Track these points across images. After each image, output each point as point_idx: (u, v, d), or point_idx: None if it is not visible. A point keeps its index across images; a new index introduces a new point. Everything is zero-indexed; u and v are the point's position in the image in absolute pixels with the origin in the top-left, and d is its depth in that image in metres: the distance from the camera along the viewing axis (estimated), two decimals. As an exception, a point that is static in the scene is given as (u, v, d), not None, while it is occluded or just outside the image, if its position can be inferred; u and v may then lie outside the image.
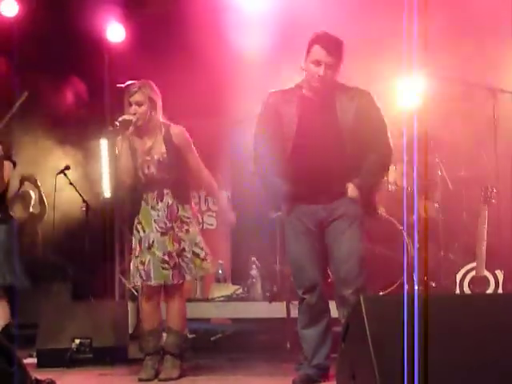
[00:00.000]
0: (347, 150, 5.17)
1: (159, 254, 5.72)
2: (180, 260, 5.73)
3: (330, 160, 5.16)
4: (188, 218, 5.81)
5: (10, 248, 6.47)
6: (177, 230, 5.77)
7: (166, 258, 5.71)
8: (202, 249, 5.81)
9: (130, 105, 5.73)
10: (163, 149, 5.77)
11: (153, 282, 5.75)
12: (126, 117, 5.67)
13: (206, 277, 7.84)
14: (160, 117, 5.82)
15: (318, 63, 5.17)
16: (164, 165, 5.77)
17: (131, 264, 5.90)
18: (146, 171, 5.77)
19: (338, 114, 5.22)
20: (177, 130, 5.84)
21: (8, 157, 6.38)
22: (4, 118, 6.38)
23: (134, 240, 5.91)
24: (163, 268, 5.71)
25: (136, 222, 5.87)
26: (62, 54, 8.59)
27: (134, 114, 5.69)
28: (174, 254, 5.73)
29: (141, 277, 5.76)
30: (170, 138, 5.78)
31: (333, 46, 5.18)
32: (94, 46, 8.76)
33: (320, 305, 5.38)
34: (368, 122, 5.24)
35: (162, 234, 5.76)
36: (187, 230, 5.79)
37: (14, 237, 6.57)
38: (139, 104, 5.72)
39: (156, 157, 5.77)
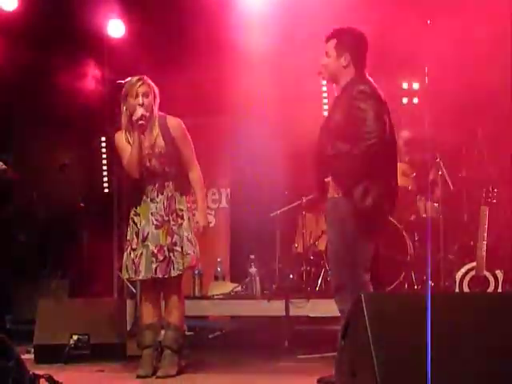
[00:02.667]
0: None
1: (152, 247, 5.71)
2: (171, 254, 5.71)
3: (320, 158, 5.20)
4: (182, 210, 5.80)
5: None
6: (172, 223, 5.75)
7: (156, 251, 5.69)
8: (192, 243, 5.79)
9: (137, 96, 5.71)
10: (162, 142, 5.76)
11: (141, 277, 5.75)
12: (142, 111, 5.64)
13: (204, 274, 7.83)
14: (156, 111, 5.81)
15: None
16: (164, 157, 5.76)
17: (125, 256, 5.85)
18: (148, 164, 5.76)
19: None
20: (174, 122, 5.83)
21: None
22: None
23: (129, 232, 5.87)
24: (152, 262, 5.69)
25: (132, 213, 5.85)
26: (61, 49, 8.56)
27: (142, 104, 5.67)
28: (166, 247, 5.70)
29: (133, 271, 5.75)
30: (168, 131, 5.77)
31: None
32: (93, 42, 8.73)
33: None
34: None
35: (157, 227, 5.73)
36: (181, 224, 5.77)
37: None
38: (145, 95, 5.71)
39: (157, 150, 5.75)
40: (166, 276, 5.70)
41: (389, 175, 5.15)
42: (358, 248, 5.08)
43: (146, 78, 5.77)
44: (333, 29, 5.29)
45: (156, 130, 5.76)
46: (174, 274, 5.72)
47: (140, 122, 5.62)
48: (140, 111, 5.63)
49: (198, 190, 5.90)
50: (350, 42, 5.22)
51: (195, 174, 5.90)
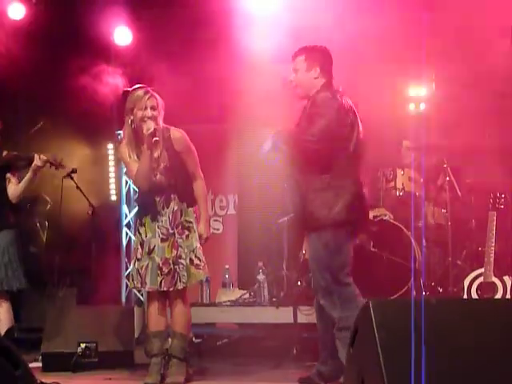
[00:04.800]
0: None
1: (158, 260, 5.73)
2: (176, 267, 5.71)
3: None
4: (190, 222, 5.80)
5: (12, 253, 6.59)
6: (177, 236, 5.75)
7: (161, 264, 5.71)
8: (197, 257, 5.79)
9: (145, 108, 5.68)
10: (167, 156, 5.76)
11: (147, 287, 5.78)
12: (154, 125, 5.62)
13: (212, 281, 7.82)
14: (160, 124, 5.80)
15: None
16: (170, 171, 5.76)
17: (132, 266, 5.94)
18: (154, 178, 5.75)
19: None
20: (177, 135, 5.82)
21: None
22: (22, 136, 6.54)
23: (135, 242, 5.94)
24: (157, 274, 5.71)
25: (138, 224, 5.88)
26: (68, 57, 8.57)
27: (151, 116, 5.66)
28: (171, 260, 5.72)
29: (138, 281, 5.80)
30: (172, 144, 5.76)
31: None
32: (101, 50, 8.75)
33: None
34: None
35: (163, 240, 5.75)
36: (187, 236, 5.77)
37: (16, 242, 6.68)
38: (153, 108, 5.70)
39: (162, 164, 5.76)
40: (171, 289, 5.71)
41: (353, 181, 5.39)
42: (340, 251, 5.30)
43: (151, 90, 5.76)
44: (298, 48, 5.57)
45: (161, 143, 5.75)
46: (179, 286, 5.73)
47: (155, 139, 5.59)
48: (152, 125, 5.61)
49: (201, 201, 5.90)
50: (319, 57, 5.51)
51: (199, 185, 5.90)
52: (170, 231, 5.75)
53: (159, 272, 5.70)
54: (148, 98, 5.68)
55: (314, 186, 5.30)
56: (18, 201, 6.68)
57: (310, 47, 5.55)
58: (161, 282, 5.70)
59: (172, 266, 5.71)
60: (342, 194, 5.27)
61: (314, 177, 5.30)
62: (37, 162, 6.48)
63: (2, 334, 6.42)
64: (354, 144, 5.38)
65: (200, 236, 5.83)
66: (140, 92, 5.72)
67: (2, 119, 6.74)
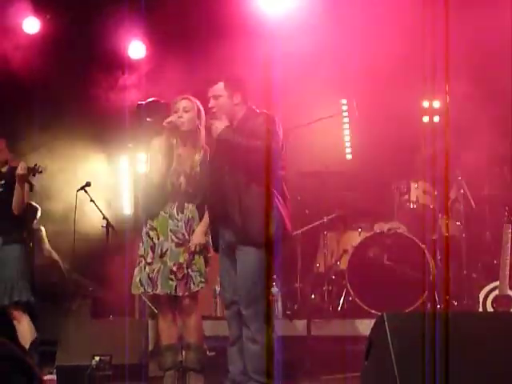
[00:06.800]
0: None
1: (170, 264, 5.71)
2: (189, 270, 5.70)
3: None
4: None
5: (23, 266, 6.66)
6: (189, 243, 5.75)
7: (175, 268, 5.70)
8: (207, 261, 5.79)
9: (177, 111, 5.73)
10: (197, 164, 5.77)
11: (159, 291, 5.73)
12: (173, 119, 5.67)
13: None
14: (203, 135, 5.82)
15: None
16: (193, 179, 5.77)
17: (138, 270, 5.84)
18: (175, 181, 5.76)
19: None
20: None
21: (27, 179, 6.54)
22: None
23: (143, 246, 5.86)
24: (170, 279, 5.69)
25: (148, 227, 5.84)
26: (82, 71, 8.62)
27: (180, 117, 5.70)
28: (185, 264, 5.71)
29: (148, 285, 5.75)
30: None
31: None
32: (114, 63, 8.79)
33: None
34: None
35: (178, 245, 5.74)
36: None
37: (28, 256, 6.78)
38: (186, 110, 5.74)
39: (188, 170, 5.76)
40: (186, 293, 5.69)
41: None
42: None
43: (189, 96, 5.83)
44: (212, 75, 5.65)
45: (196, 150, 5.79)
46: (194, 289, 5.72)
47: (167, 123, 5.65)
48: (171, 118, 5.69)
49: (207, 214, 5.83)
50: (239, 81, 5.56)
51: None
52: (186, 237, 5.75)
53: (173, 277, 5.68)
54: (180, 100, 5.79)
55: None
56: (20, 212, 6.68)
57: (227, 73, 5.65)
58: (175, 287, 5.68)
59: (186, 270, 5.70)
60: None
61: None
62: (19, 170, 6.48)
63: (27, 346, 6.44)
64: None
65: (195, 244, 5.75)
66: (177, 98, 5.83)
67: (15, 131, 6.78)
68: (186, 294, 5.70)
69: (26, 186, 6.63)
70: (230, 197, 5.33)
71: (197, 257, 5.74)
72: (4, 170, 6.79)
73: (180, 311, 5.84)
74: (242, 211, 5.29)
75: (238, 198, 5.30)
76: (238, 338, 5.50)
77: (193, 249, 5.73)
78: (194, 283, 5.71)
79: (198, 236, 5.76)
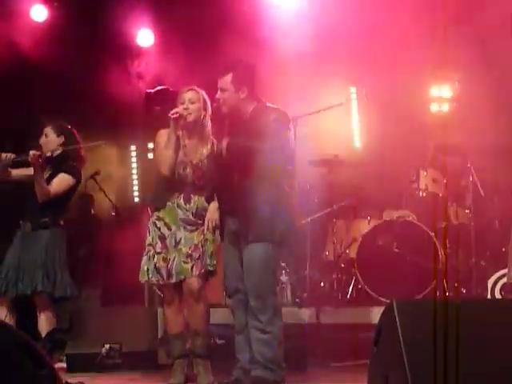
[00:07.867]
0: None
1: (185, 249, 5.71)
2: (204, 248, 5.72)
3: None
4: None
5: (55, 255, 6.27)
6: (203, 227, 5.77)
7: (190, 251, 5.70)
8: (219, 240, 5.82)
9: (183, 102, 5.73)
10: (204, 156, 5.78)
11: (173, 280, 5.72)
12: (178, 110, 5.67)
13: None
14: (209, 126, 5.83)
15: None
16: (200, 171, 5.77)
17: (145, 259, 5.82)
18: (181, 171, 5.76)
19: None
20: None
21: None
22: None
23: (150, 236, 5.84)
24: (185, 262, 5.69)
25: (155, 218, 5.84)
26: (90, 59, 8.62)
27: (186, 108, 5.70)
28: (200, 244, 5.72)
29: (161, 275, 5.74)
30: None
31: None
32: (123, 51, 8.79)
33: None
34: None
35: (192, 231, 5.75)
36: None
37: (61, 243, 6.35)
38: (192, 101, 5.74)
39: (195, 161, 5.77)
40: (202, 271, 5.69)
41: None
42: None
43: (196, 87, 5.82)
44: (225, 64, 5.58)
45: (203, 142, 5.81)
46: (210, 265, 5.73)
47: (174, 115, 5.62)
48: (177, 109, 5.67)
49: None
50: (247, 76, 5.50)
51: None
52: (198, 222, 5.76)
53: (189, 259, 5.68)
54: (186, 91, 5.78)
55: None
56: (44, 200, 6.45)
57: (237, 64, 5.56)
58: (192, 268, 5.67)
59: (201, 248, 5.71)
60: None
61: None
62: (30, 158, 6.29)
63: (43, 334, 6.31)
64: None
65: (209, 220, 5.77)
66: (184, 89, 5.83)
67: (25, 119, 6.70)
68: (202, 271, 5.70)
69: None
70: (239, 191, 5.34)
71: (209, 235, 5.76)
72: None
73: (188, 296, 5.78)
74: (251, 206, 5.29)
75: (247, 192, 5.31)
76: (244, 326, 5.49)
77: (208, 224, 5.75)
78: (210, 260, 5.73)
79: (212, 212, 5.78)
